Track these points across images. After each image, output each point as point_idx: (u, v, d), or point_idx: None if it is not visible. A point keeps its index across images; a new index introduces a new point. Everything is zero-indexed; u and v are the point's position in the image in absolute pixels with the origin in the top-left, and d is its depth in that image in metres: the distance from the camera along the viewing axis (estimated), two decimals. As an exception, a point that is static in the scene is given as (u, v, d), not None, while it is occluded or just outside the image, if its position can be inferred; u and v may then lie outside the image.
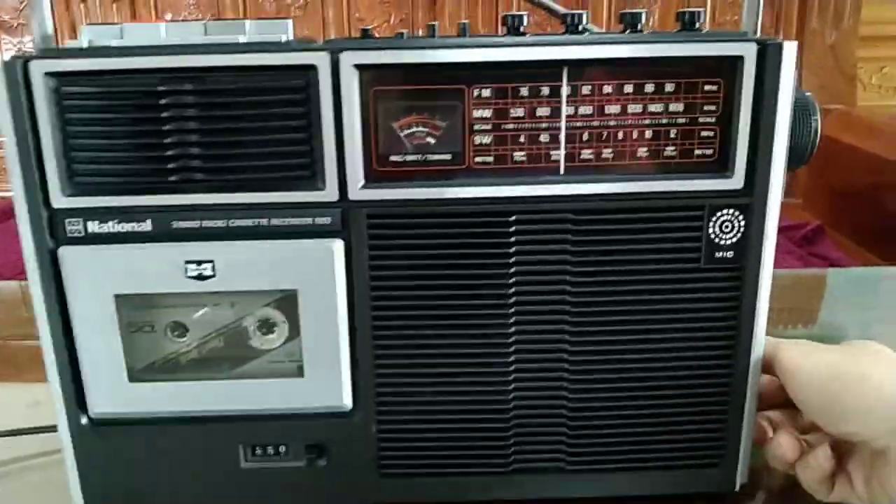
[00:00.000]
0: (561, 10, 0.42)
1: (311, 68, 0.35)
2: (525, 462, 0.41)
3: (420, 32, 1.68)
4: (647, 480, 0.42)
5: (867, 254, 1.37)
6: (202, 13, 1.73)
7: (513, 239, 0.37)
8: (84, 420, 0.40)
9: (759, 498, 0.43)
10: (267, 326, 0.39)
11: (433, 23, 0.38)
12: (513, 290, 0.38)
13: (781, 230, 1.26)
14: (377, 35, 0.40)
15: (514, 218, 0.37)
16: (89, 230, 0.37)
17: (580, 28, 0.38)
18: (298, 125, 0.35)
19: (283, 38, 0.36)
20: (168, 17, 1.74)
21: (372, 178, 0.36)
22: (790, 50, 0.35)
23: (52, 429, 0.40)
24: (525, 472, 0.41)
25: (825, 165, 1.58)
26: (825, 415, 0.37)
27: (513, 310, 0.39)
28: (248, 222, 0.37)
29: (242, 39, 0.36)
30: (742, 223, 0.37)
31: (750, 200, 0.37)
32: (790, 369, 0.38)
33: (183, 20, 1.73)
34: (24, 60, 0.35)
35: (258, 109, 0.35)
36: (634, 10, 0.38)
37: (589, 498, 0.42)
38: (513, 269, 0.38)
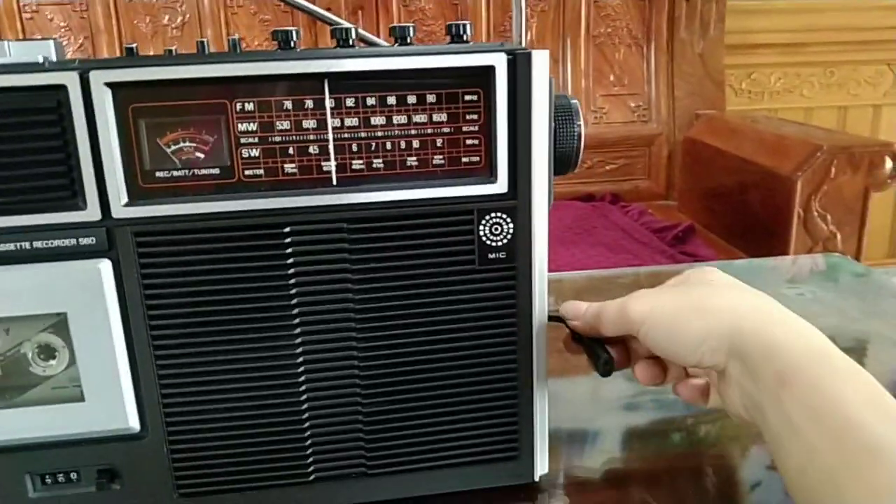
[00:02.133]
0: (340, 21, 0.43)
1: (62, 88, 0.34)
2: (326, 470, 0.41)
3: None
4: (449, 478, 0.43)
5: (734, 250, 1.45)
6: (74, 36, 1.67)
7: (289, 250, 0.38)
8: None
9: (558, 486, 0.45)
10: (47, 352, 0.38)
11: (202, 39, 0.38)
12: (295, 300, 0.39)
13: (655, 232, 1.31)
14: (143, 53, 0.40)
15: (288, 229, 0.38)
16: None
17: (349, 41, 0.39)
18: (54, 145, 0.35)
19: (41, 59, 0.36)
20: (38, 37, 1.67)
21: (137, 196, 0.36)
22: (540, 58, 0.37)
23: None
24: (327, 479, 0.42)
25: (695, 167, 1.67)
26: (672, 352, 0.39)
27: (297, 320, 0.39)
28: (10, 246, 0.36)
29: (2, 61, 0.36)
30: (510, 225, 0.39)
31: (515, 203, 0.39)
32: (637, 320, 0.39)
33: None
34: None
35: (11, 131, 0.35)
36: (404, 24, 0.39)
37: (395, 500, 0.43)
38: (292, 281, 0.38)
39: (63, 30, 1.68)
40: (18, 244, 0.36)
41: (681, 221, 1.52)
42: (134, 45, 0.38)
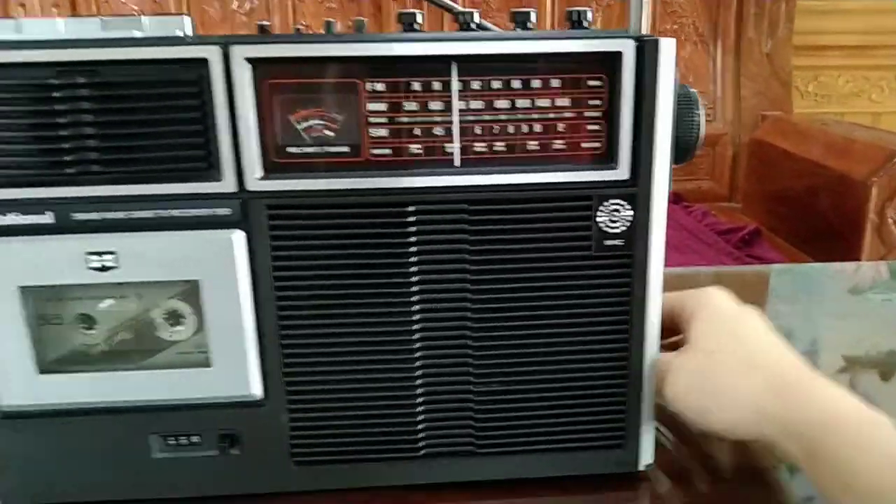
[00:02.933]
0: (457, 7, 0.43)
1: (203, 62, 0.35)
2: (436, 447, 0.42)
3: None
4: (555, 462, 0.43)
5: (802, 255, 1.42)
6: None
7: (412, 229, 0.39)
8: (-8, 414, 0.40)
9: (662, 478, 0.45)
10: (174, 318, 0.40)
11: (330, 20, 0.39)
12: (415, 278, 0.39)
13: (721, 234, 1.30)
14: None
15: (412, 208, 0.38)
16: (-9, 223, 0.37)
17: (472, 25, 0.40)
18: (193, 117, 0.36)
19: (179, 33, 0.37)
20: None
21: (271, 170, 0.37)
22: (668, 46, 0.37)
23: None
24: (436, 456, 0.42)
25: (762, 170, 1.64)
26: (696, 419, 0.40)
27: (416, 297, 0.40)
28: (149, 213, 0.37)
29: (138, 34, 0.37)
30: (630, 212, 0.39)
31: (636, 190, 0.39)
32: (671, 401, 0.40)
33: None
34: (-80, 55, 0.35)
35: (153, 102, 0.36)
36: (524, 9, 0.40)
37: (499, 481, 0.43)
38: (413, 259, 0.39)
39: (135, 13, 1.72)
40: (157, 212, 0.37)
41: (746, 224, 1.50)
42: (266, 22, 0.39)
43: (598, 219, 0.39)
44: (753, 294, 0.85)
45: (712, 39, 1.77)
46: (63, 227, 0.37)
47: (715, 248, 1.37)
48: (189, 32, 0.38)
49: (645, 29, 0.41)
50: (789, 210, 1.51)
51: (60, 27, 0.37)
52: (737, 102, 1.78)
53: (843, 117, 2.01)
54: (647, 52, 0.37)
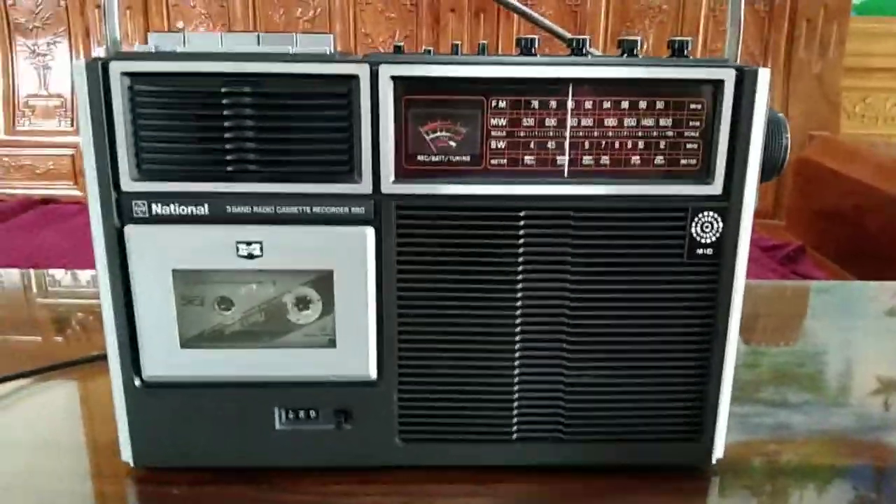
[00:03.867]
0: (567, 34, 0.48)
1: (354, 78, 0.40)
2: (527, 432, 0.46)
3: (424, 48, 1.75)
4: (634, 451, 0.47)
5: (846, 274, 1.44)
6: (213, 23, 1.78)
7: (522, 232, 0.43)
8: (138, 382, 0.45)
9: (732, 472, 0.48)
10: (303, 303, 0.45)
11: (457, 42, 0.44)
12: (520, 276, 0.44)
13: (765, 249, 1.34)
14: (406, 51, 0.46)
15: (523, 213, 0.43)
16: (153, 211, 0.42)
17: (583, 51, 0.44)
18: (340, 126, 0.41)
19: (328, 51, 0.42)
20: (180, 24, 1.80)
21: (401, 175, 0.42)
22: (764, 76, 0.41)
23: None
24: (527, 440, 0.47)
25: (808, 188, 1.66)
26: None
27: (520, 294, 0.44)
28: (294, 209, 0.42)
29: (292, 50, 0.42)
30: (720, 224, 0.43)
31: (727, 204, 0.43)
32: None
33: (193, 30, 1.79)
34: (104, 61, 0.40)
35: (306, 111, 0.41)
36: (631, 37, 0.44)
37: (581, 466, 0.47)
38: (521, 259, 0.43)
39: (203, 17, 1.80)
40: (301, 208, 0.42)
41: (790, 241, 1.52)
42: (401, 44, 0.44)
43: (691, 229, 0.43)
44: (792, 309, 0.88)
45: (762, 58, 1.79)
46: (217, 218, 0.42)
47: (758, 263, 1.39)
48: (332, 50, 0.42)
49: (738, 56, 0.45)
50: (835, 229, 1.52)
51: (220, 41, 0.42)
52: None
53: (890, 139, 2.02)
54: (745, 81, 0.41)
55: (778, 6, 1.79)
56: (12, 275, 0.95)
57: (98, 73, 0.40)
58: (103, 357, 0.45)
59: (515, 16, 1.73)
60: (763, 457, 0.50)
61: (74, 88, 0.41)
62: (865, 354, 0.71)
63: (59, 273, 0.95)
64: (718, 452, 0.48)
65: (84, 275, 0.93)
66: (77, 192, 1.85)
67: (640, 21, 1.76)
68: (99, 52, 1.79)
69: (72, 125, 1.84)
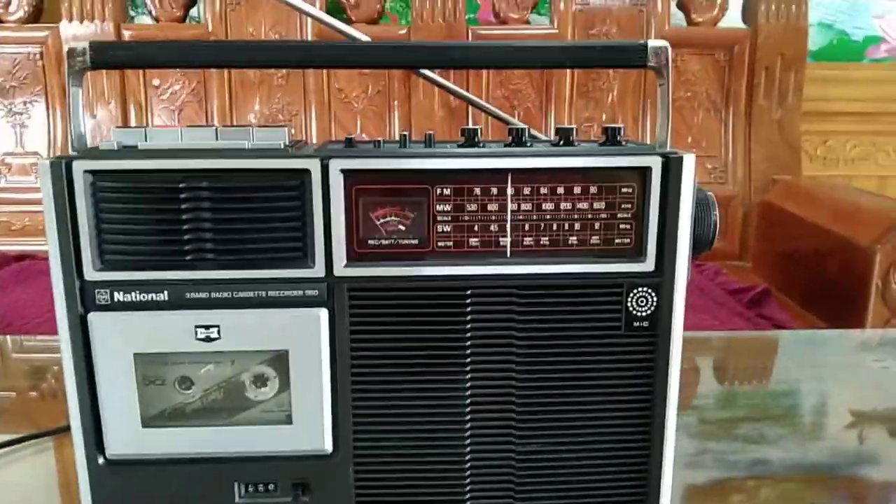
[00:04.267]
0: (513, 121, 0.51)
1: (306, 172, 0.43)
2: (479, 499, 0.48)
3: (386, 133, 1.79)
4: (584, 516, 0.49)
5: (810, 316, 1.47)
6: (189, 80, 1.82)
7: (469, 310, 0.46)
8: (101, 460, 0.46)
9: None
10: (261, 380, 0.46)
11: (405, 133, 0.47)
12: (469, 352, 0.46)
13: (731, 293, 1.37)
14: (357, 137, 0.48)
15: (469, 292, 0.45)
16: (115, 299, 0.44)
17: (523, 139, 0.47)
18: (293, 216, 0.43)
19: (282, 144, 0.45)
20: (156, 82, 1.83)
21: (353, 258, 0.44)
22: (689, 161, 0.44)
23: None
24: (479, 507, 0.48)
25: (771, 231, 1.70)
26: None
27: (469, 369, 0.46)
28: (250, 294, 0.44)
29: (247, 145, 0.45)
30: (654, 298, 0.46)
31: (660, 280, 0.46)
32: None
33: (169, 87, 1.82)
34: (68, 161, 0.42)
35: (261, 203, 0.43)
36: (568, 126, 0.47)
37: (534, 531, 0.49)
38: (468, 335, 0.46)
39: (178, 74, 1.83)
40: (256, 292, 0.44)
41: (756, 284, 1.56)
42: (353, 136, 0.47)
43: (627, 304, 0.46)
44: (762, 357, 0.91)
45: (724, 106, 1.86)
46: (176, 303, 0.44)
47: (726, 307, 1.43)
48: (287, 142, 0.45)
49: (668, 141, 0.48)
50: (798, 271, 1.57)
51: (180, 136, 0.45)
52: (747, 166, 1.86)
53: (851, 181, 2.09)
54: (672, 167, 0.44)
55: (737, 55, 1.86)
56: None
57: (62, 172, 0.42)
58: (61, 431, 0.46)
59: (485, 71, 1.78)
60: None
61: (39, 185, 0.43)
62: (835, 398, 0.74)
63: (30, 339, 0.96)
64: (665, 515, 0.50)
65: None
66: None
67: (604, 72, 1.82)
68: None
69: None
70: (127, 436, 0.46)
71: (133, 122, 1.82)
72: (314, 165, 0.43)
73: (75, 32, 1.80)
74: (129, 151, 0.44)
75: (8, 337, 0.96)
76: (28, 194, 1.83)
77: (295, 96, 1.82)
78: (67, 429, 0.49)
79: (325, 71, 1.79)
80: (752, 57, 1.85)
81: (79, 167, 0.42)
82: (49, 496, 0.56)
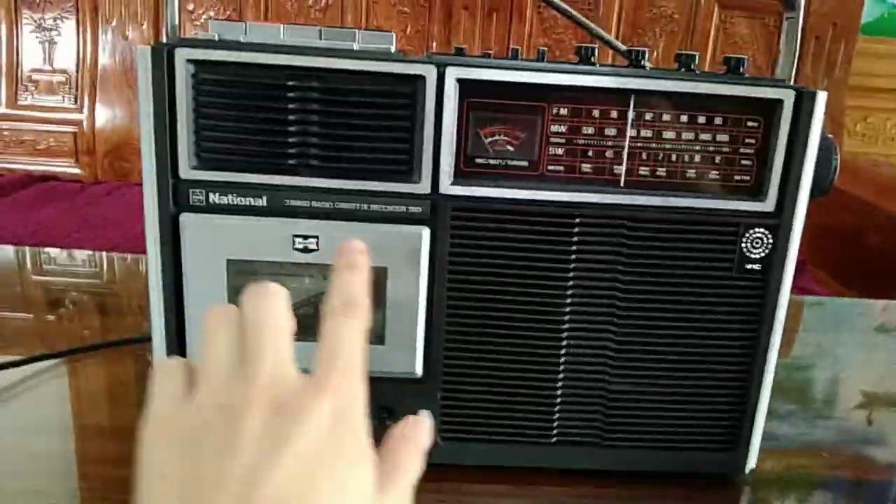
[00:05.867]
0: (622, 45, 0.48)
1: (420, 78, 0.40)
2: (566, 435, 0.47)
3: (435, 46, 1.74)
4: (672, 459, 0.48)
5: (846, 291, 1.46)
6: (224, 8, 1.77)
7: (575, 238, 0.43)
8: (182, 370, 0.45)
9: (765, 482, 0.49)
10: (351, 299, 0.45)
11: (516, 47, 0.44)
12: (571, 283, 0.44)
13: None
14: (467, 53, 0.46)
15: (577, 220, 0.43)
16: (210, 200, 0.42)
17: (641, 63, 0.44)
18: (402, 125, 0.41)
19: (391, 48, 0.42)
20: (191, 7, 1.78)
21: (459, 176, 0.42)
22: (822, 98, 0.42)
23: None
24: (566, 444, 0.47)
25: (810, 205, 1.67)
26: None
27: (569, 300, 0.44)
28: (352, 206, 0.42)
29: (355, 46, 0.42)
30: (770, 241, 0.44)
31: (779, 222, 0.43)
32: None
33: (204, 12, 1.77)
34: (170, 47, 0.40)
35: (370, 109, 0.41)
36: (689, 52, 0.44)
37: (617, 471, 0.48)
38: (572, 265, 0.44)
39: (214, 1, 1.78)
40: (359, 205, 0.42)
41: (791, 255, 1.53)
42: (464, 47, 0.44)
43: (742, 244, 0.44)
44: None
45: (769, 73, 1.80)
46: (274, 210, 0.42)
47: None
48: (394, 47, 0.42)
49: (792, 77, 0.45)
50: (836, 245, 1.54)
51: (281, 33, 0.42)
52: (788, 136, 1.82)
53: (889, 159, 2.05)
54: (804, 102, 0.42)
55: (787, 22, 1.80)
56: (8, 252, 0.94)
57: (163, 59, 0.40)
58: (142, 340, 0.45)
59: (529, 17, 1.73)
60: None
61: (137, 73, 0.41)
62: (851, 371, 0.72)
63: (58, 252, 0.94)
64: (752, 463, 0.48)
65: (82, 254, 0.93)
66: (78, 171, 1.83)
67: (650, 29, 1.77)
68: (108, 30, 1.78)
69: (75, 102, 1.82)
70: (209, 345, 0.44)
71: (165, 48, 1.77)
72: (430, 72, 0.40)
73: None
74: (231, 43, 0.41)
75: (39, 250, 0.94)
76: (54, 114, 1.80)
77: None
78: (144, 339, 0.47)
79: (364, 6, 1.74)
80: (803, 24, 1.80)
81: (182, 56, 0.40)
82: (121, 408, 0.55)
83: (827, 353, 0.76)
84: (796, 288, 1.44)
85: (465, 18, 1.76)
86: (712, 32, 1.78)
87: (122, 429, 0.52)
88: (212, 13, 1.77)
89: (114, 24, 1.77)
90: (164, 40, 0.42)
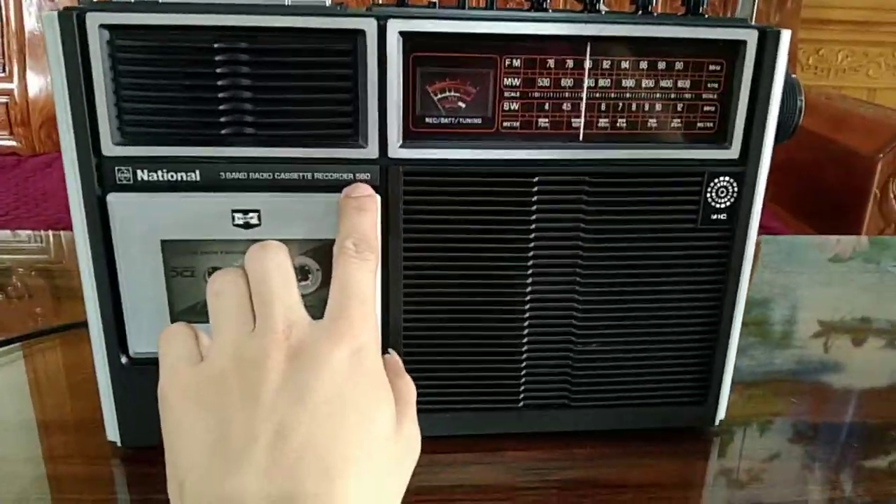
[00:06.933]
0: (578, -13, 0.45)
1: (360, 33, 0.37)
2: (534, 399, 0.46)
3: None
4: (641, 416, 0.47)
5: (804, 226, 1.47)
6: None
7: (535, 198, 0.41)
8: (124, 360, 0.42)
9: (734, 431, 0.49)
10: (302, 273, 0.42)
11: (461, -6, 0.41)
12: (532, 244, 0.42)
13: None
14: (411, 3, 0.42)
15: (536, 179, 0.41)
16: (138, 178, 0.39)
17: (596, 7, 0.42)
18: (344, 86, 0.38)
19: (327, 2, 0.39)
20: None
21: (409, 138, 0.39)
22: (786, 37, 0.40)
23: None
24: (533, 407, 0.46)
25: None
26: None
27: (531, 262, 0.42)
28: (294, 175, 0.39)
29: (287, 1, 0.38)
30: (735, 189, 0.42)
31: (744, 169, 0.42)
32: None
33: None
34: (80, 12, 0.36)
35: (307, 69, 0.38)
36: (645, -8, 0.42)
37: (587, 431, 0.47)
38: (533, 226, 0.42)
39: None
40: (302, 174, 0.39)
41: (749, 193, 1.54)
42: (405, -5, 0.41)
43: (706, 194, 0.42)
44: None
45: (722, 9, 1.79)
46: (210, 185, 0.39)
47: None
48: (329, 0, 0.39)
49: (753, 17, 0.43)
50: (793, 181, 1.55)
51: (207, -12, 0.38)
52: (743, 73, 1.81)
53: (841, 90, 2.06)
54: (768, 42, 0.39)
55: (738, -45, 1.78)
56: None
57: (73, 26, 0.36)
58: (80, 325, 0.42)
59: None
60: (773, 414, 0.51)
61: (45, 42, 0.37)
62: (808, 302, 0.73)
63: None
64: (721, 414, 0.48)
65: (25, 233, 0.88)
66: (13, 143, 1.74)
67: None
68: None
69: (3, 70, 1.72)
70: (152, 332, 0.41)
71: None
72: (369, 26, 0.37)
73: None
74: (151, 3, 0.37)
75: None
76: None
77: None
78: (80, 325, 0.44)
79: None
80: (754, -43, 1.77)
81: (93, 20, 0.36)
82: (59, 398, 0.52)
83: (783, 286, 0.76)
84: (755, 226, 1.44)
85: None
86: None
87: (68, 423, 0.49)
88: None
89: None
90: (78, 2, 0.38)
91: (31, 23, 1.69)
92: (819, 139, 1.45)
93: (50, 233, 0.87)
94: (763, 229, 1.40)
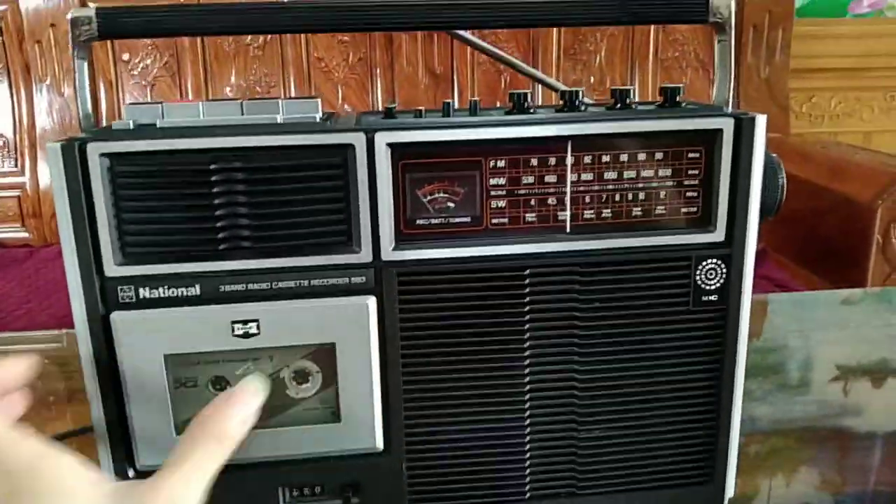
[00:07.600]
0: (560, 85, 0.47)
1: (349, 147, 0.39)
2: (540, 489, 0.45)
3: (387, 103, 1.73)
4: (649, 499, 0.46)
5: (808, 273, 1.47)
6: (161, 54, 1.74)
7: (527, 290, 0.42)
8: (131, 473, 0.42)
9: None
10: (302, 377, 0.43)
11: (447, 101, 0.43)
12: (528, 335, 0.43)
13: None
14: (396, 108, 0.44)
15: (527, 272, 0.42)
16: (140, 296, 0.40)
17: (577, 103, 0.43)
18: (336, 196, 0.39)
19: (317, 117, 0.40)
20: (126, 56, 1.74)
21: (401, 240, 0.41)
22: (761, 122, 0.41)
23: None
24: (540, 498, 0.45)
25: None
26: None
27: (528, 353, 0.43)
28: (291, 283, 0.40)
29: (279, 119, 0.40)
30: (724, 271, 0.43)
31: (730, 251, 0.43)
32: None
33: (140, 62, 1.74)
34: (81, 142, 0.38)
35: (300, 183, 0.39)
36: (623, 87, 0.43)
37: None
38: (527, 318, 0.42)
39: (149, 48, 1.75)
40: (298, 282, 0.40)
41: (753, 245, 1.54)
42: (394, 105, 0.43)
43: (696, 277, 0.43)
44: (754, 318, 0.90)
45: (713, 66, 1.82)
46: (210, 298, 0.40)
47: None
48: (319, 115, 0.41)
49: (730, 101, 0.45)
50: (794, 231, 1.56)
51: (200, 111, 0.40)
52: (737, 126, 1.84)
53: (836, 137, 2.08)
54: (744, 129, 0.41)
55: (723, 13, 1.82)
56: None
57: (75, 155, 0.38)
58: (89, 430, 0.42)
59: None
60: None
61: (49, 171, 0.38)
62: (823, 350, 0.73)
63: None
64: (730, 492, 0.47)
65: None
66: (25, 235, 1.77)
67: (591, 34, 1.78)
68: (42, 88, 1.73)
69: (16, 165, 1.77)
70: (159, 444, 0.42)
71: (104, 101, 1.73)
72: (358, 140, 0.39)
73: (36, 5, 1.70)
74: (147, 130, 0.39)
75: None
76: (-6, 179, 1.75)
77: (272, 67, 1.74)
78: (88, 430, 0.44)
79: (302, 39, 1.72)
80: (739, 15, 1.82)
81: (94, 150, 0.38)
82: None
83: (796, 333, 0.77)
84: (760, 276, 1.45)
85: (406, 42, 1.75)
86: (652, 32, 1.79)
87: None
88: (148, 62, 1.74)
89: (48, 81, 1.73)
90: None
91: (41, 117, 1.74)
92: (816, 189, 1.46)
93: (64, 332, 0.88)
94: (769, 281, 1.41)
